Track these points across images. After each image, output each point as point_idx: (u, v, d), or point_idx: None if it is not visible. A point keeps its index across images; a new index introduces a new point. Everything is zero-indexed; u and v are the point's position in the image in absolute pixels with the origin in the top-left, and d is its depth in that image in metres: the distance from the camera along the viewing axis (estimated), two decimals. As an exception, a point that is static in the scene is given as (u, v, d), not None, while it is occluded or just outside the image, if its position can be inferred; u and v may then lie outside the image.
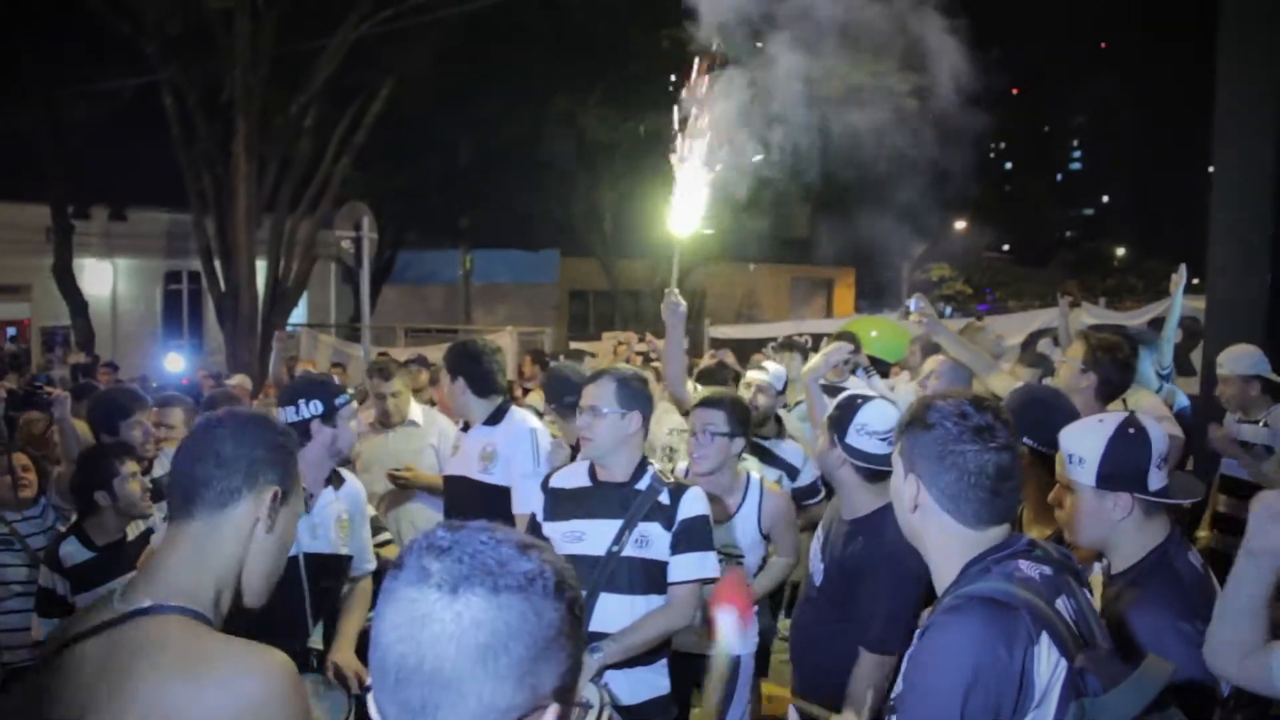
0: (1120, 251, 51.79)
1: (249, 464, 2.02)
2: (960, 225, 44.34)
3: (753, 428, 4.96)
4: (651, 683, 3.63)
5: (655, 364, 9.89)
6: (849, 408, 3.51)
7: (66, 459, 5.06)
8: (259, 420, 2.14)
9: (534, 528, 3.81)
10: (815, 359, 5.23)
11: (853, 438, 3.44)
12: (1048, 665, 1.93)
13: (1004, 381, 4.63)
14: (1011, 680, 1.90)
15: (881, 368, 6.59)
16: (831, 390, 5.99)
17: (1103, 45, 71.76)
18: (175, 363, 14.69)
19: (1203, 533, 5.91)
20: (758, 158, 5.18)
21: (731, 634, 2.93)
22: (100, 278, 24.36)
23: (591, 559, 3.55)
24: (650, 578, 3.56)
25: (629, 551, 3.55)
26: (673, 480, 3.71)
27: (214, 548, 1.97)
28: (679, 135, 4.80)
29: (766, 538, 4.47)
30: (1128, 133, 69.58)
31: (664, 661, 3.69)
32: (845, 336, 6.30)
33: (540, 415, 5.46)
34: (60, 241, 21.09)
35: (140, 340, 23.91)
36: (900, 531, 2.27)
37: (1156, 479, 2.59)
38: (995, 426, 2.09)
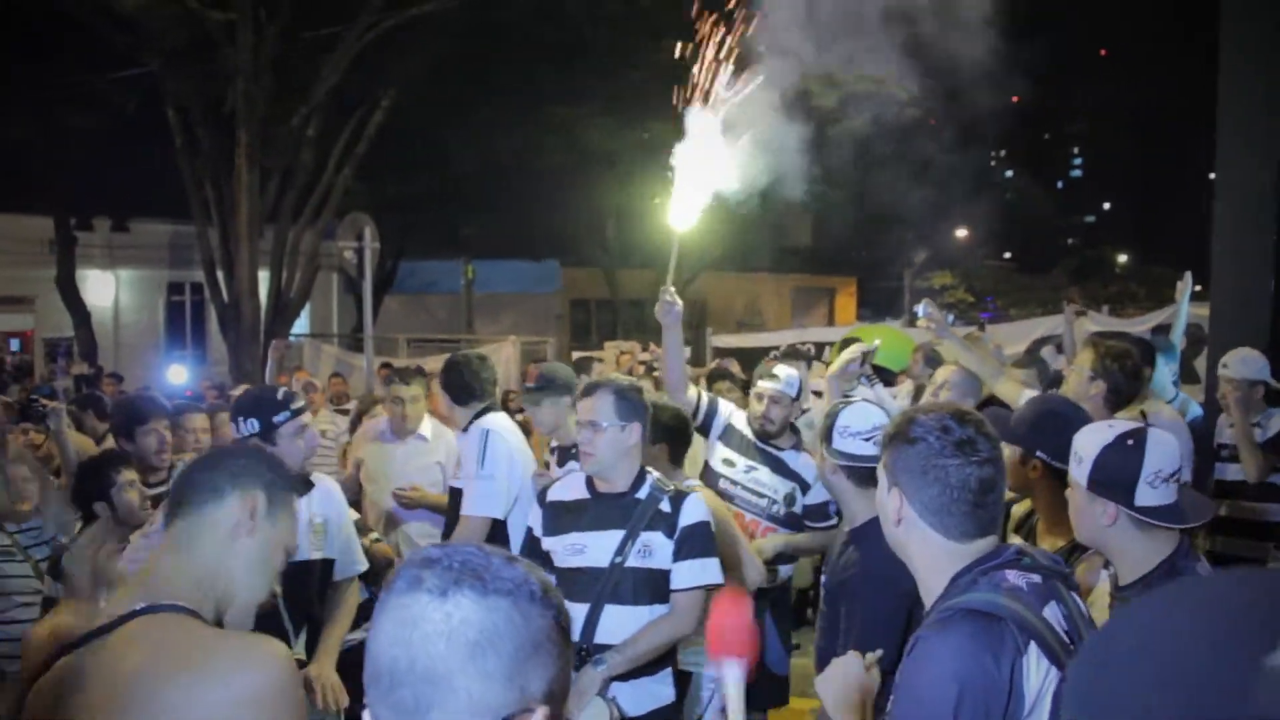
0: (1122, 258, 51.78)
1: (234, 468, 2.07)
2: (962, 233, 44.37)
3: (768, 438, 4.94)
4: (656, 693, 3.61)
5: (658, 374, 9.90)
6: (830, 414, 3.51)
7: (66, 471, 5.06)
8: (255, 449, 2.22)
9: (492, 533, 3.75)
10: (837, 360, 5.09)
11: (838, 441, 3.42)
12: (1037, 675, 1.93)
13: (1008, 387, 4.62)
14: (1000, 692, 1.90)
15: (886, 377, 6.51)
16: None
17: (1102, 52, 71.85)
18: (178, 374, 14.74)
19: (1198, 539, 5.89)
20: (757, 167, 4.94)
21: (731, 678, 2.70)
22: (103, 289, 24.46)
23: (595, 571, 3.53)
24: (654, 587, 3.54)
25: (632, 562, 3.53)
26: (672, 487, 3.67)
27: (196, 546, 2.01)
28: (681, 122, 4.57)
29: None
30: (1128, 139, 69.58)
31: (668, 671, 3.68)
32: (852, 342, 6.27)
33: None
34: (63, 253, 21.19)
35: (143, 351, 23.98)
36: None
37: (1148, 495, 2.52)
38: (977, 440, 2.09)
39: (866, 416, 3.43)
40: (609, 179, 22.68)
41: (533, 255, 30.14)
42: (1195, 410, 6.01)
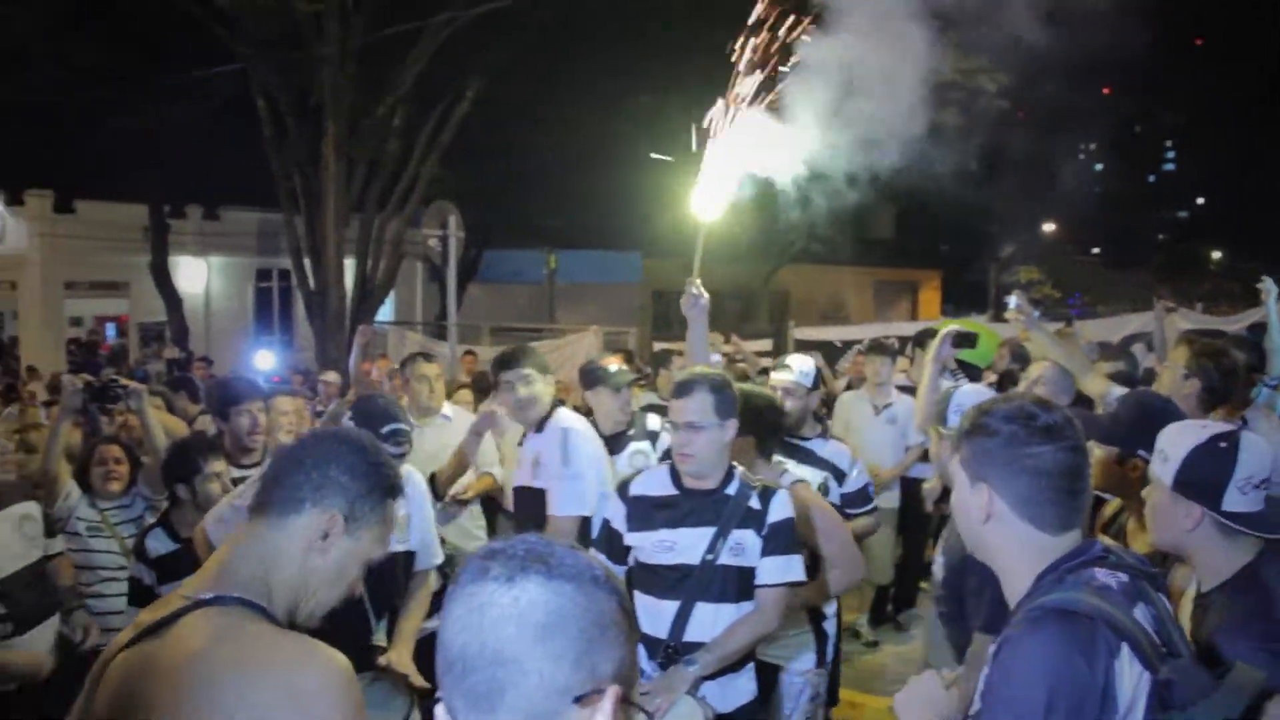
0: (1216, 255, 50.39)
1: (320, 481, 2.03)
2: (1049, 228, 43.54)
3: (787, 430, 4.79)
4: (742, 688, 3.59)
5: (740, 364, 9.88)
6: (943, 397, 3.64)
7: (151, 451, 5.18)
8: (355, 445, 2.13)
9: (580, 531, 3.74)
10: (933, 343, 5.05)
11: (953, 420, 3.49)
12: (1130, 678, 1.84)
13: (1096, 384, 4.53)
14: (1094, 694, 1.81)
15: (971, 373, 6.41)
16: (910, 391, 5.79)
17: (1197, 42, 69.87)
18: (266, 359, 14.98)
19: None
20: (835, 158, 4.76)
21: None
22: (195, 275, 24.99)
23: (685, 568, 3.49)
24: (743, 585, 3.50)
25: (724, 560, 3.47)
26: (759, 483, 3.62)
27: (273, 551, 2.00)
28: (724, 103, 4.49)
29: None
30: (1224, 132, 67.58)
31: (751, 666, 3.65)
32: (929, 334, 6.18)
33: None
34: (157, 240, 21.74)
35: (232, 336, 24.42)
36: None
37: (1237, 500, 2.44)
38: (1064, 425, 2.01)
39: (979, 396, 3.51)
40: (692, 170, 22.55)
41: (615, 246, 30.14)
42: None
